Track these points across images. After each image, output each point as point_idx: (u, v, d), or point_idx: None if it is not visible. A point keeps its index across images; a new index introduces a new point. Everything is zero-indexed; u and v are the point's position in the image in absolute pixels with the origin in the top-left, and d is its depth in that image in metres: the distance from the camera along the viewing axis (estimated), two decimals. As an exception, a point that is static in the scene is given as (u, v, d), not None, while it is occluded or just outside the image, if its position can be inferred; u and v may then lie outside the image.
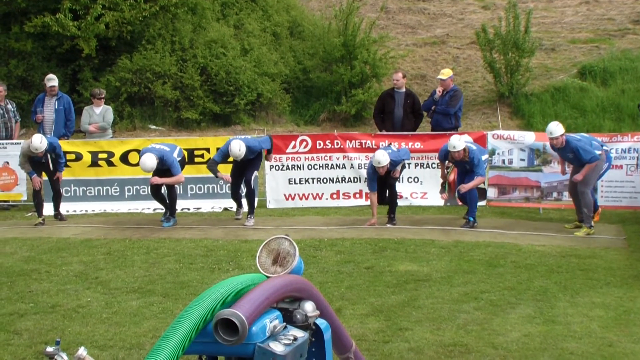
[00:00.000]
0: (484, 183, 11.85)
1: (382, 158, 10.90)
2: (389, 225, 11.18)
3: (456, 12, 23.71)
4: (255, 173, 11.70)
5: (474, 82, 19.85)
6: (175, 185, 11.62)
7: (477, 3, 24.09)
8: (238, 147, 11.05)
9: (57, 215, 12.07)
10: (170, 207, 11.60)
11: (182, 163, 11.54)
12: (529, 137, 12.27)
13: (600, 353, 6.02)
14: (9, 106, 13.54)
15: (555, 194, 12.08)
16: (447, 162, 11.60)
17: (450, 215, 12.02)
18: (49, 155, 11.69)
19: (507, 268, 8.70)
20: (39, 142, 11.29)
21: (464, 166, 11.22)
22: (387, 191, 11.43)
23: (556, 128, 10.62)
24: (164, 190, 11.57)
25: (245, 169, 11.45)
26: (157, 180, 11.22)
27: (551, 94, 18.50)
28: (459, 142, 10.92)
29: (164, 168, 11.14)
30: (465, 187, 11.00)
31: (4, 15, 18.01)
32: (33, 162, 11.58)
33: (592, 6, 23.13)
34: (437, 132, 12.78)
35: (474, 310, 7.14)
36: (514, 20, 18.08)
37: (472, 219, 11.09)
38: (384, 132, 12.98)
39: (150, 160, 10.94)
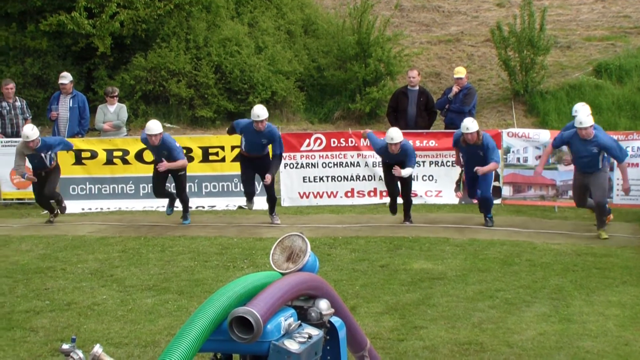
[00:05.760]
0: (499, 181, 11.75)
1: (396, 134, 10.78)
2: (407, 223, 11.13)
3: (471, 9, 23.62)
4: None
5: (488, 80, 19.78)
6: (186, 189, 11.56)
7: (492, 0, 23.99)
8: (261, 107, 11.03)
9: (59, 204, 11.91)
10: (184, 207, 11.60)
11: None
12: (544, 135, 12.20)
13: (616, 352, 5.99)
14: (17, 103, 13.58)
15: (570, 192, 12.00)
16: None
17: (464, 213, 11.98)
18: (43, 155, 11.51)
19: (522, 266, 8.67)
20: (30, 129, 11.24)
21: (477, 152, 10.80)
22: (400, 186, 11.30)
23: (587, 118, 9.98)
24: (167, 187, 11.61)
25: (259, 168, 11.24)
26: (164, 165, 11.14)
27: (566, 92, 18.38)
28: (472, 123, 10.58)
29: (165, 153, 11.16)
30: (481, 170, 10.62)
31: (20, 14, 18.10)
32: (30, 162, 11.50)
33: (607, 3, 22.98)
34: (452, 130, 12.72)
35: (489, 308, 7.12)
36: (529, 18, 17.99)
37: (490, 216, 10.99)
38: (398, 130, 12.93)
39: (156, 124, 11.05)
